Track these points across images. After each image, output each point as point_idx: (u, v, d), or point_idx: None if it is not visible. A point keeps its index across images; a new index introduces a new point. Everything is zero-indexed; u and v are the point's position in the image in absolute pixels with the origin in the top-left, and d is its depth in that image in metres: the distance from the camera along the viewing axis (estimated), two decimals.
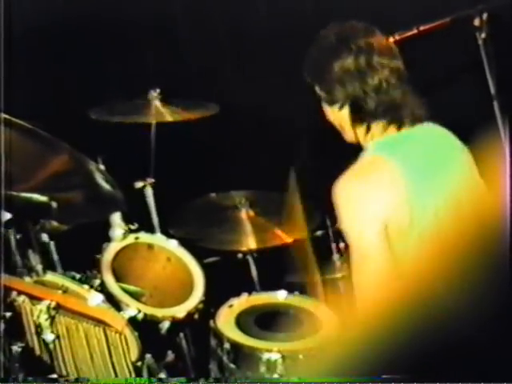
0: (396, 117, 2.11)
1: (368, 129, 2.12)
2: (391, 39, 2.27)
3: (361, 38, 2.10)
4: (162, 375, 2.56)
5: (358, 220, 2.02)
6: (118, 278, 2.69)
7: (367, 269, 2.00)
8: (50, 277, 2.60)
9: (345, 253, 3.07)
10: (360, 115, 2.11)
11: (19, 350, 2.34)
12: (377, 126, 2.12)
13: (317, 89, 2.18)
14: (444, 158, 2.14)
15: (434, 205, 2.03)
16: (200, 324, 2.74)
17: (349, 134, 2.19)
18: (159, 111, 3.05)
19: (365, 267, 2.01)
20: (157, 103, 3.07)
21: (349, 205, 2.03)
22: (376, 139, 2.12)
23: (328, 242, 3.06)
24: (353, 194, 2.02)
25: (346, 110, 2.14)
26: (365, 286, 2.01)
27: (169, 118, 3.03)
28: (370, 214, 2.00)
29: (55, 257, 2.83)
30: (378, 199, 2.01)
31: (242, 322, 2.66)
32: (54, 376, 2.41)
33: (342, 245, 3.09)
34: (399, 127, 2.12)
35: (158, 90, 3.07)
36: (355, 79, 2.08)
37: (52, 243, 2.82)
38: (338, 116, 2.17)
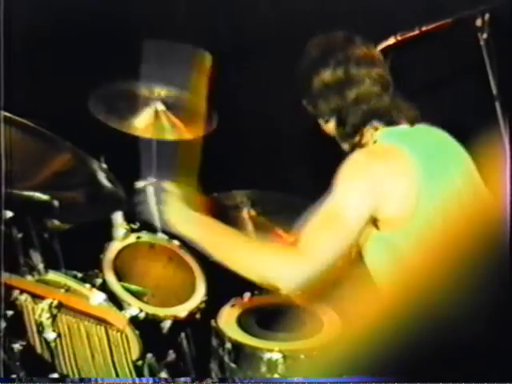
0: (388, 120, 2.11)
1: (353, 146, 2.11)
2: (393, 40, 2.27)
3: (339, 51, 2.10)
4: (163, 375, 2.56)
5: (356, 192, 1.97)
6: (120, 277, 2.70)
7: (335, 232, 1.95)
8: (51, 275, 2.61)
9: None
10: (345, 128, 2.11)
11: (20, 348, 2.34)
12: (372, 130, 2.11)
13: (305, 103, 2.19)
14: (446, 157, 2.13)
15: (442, 201, 2.01)
16: (201, 323, 2.74)
17: (343, 145, 2.19)
18: (159, 124, 3.01)
19: (333, 229, 1.95)
20: (157, 107, 3.03)
21: (355, 175, 1.98)
22: (382, 130, 2.11)
23: None
24: (361, 172, 1.99)
25: (332, 124, 2.14)
26: (321, 247, 1.95)
27: (168, 136, 2.99)
28: (371, 194, 1.96)
29: (57, 256, 2.84)
30: (381, 183, 1.97)
31: (243, 321, 2.67)
32: (56, 376, 2.41)
33: None
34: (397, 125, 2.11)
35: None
36: (335, 92, 2.08)
37: (54, 242, 2.82)
38: (328, 129, 2.18)
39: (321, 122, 2.19)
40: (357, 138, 2.12)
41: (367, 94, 2.08)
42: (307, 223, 1.98)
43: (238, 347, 2.55)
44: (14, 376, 2.28)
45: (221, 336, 2.61)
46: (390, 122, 2.10)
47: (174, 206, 2.17)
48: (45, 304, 2.39)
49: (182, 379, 2.50)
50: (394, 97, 2.12)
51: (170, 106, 2.80)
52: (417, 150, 2.02)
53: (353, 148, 2.11)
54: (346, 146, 2.18)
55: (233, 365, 2.55)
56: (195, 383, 2.48)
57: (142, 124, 2.80)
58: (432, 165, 2.03)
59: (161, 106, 2.87)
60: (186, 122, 2.87)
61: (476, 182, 2.13)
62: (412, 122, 2.12)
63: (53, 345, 2.40)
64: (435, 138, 2.16)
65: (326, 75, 2.08)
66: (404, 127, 2.11)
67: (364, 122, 2.09)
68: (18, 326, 2.38)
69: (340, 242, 1.96)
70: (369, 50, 2.14)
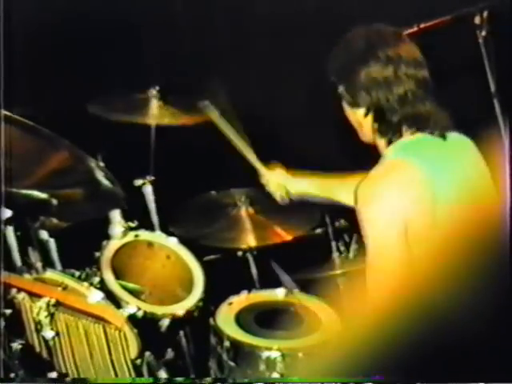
0: (422, 127, 2.10)
1: (389, 142, 2.11)
2: (410, 30, 2.26)
3: (390, 47, 2.07)
4: (162, 373, 2.56)
5: (380, 219, 2.00)
6: (118, 276, 2.69)
7: (384, 268, 2.00)
8: (49, 274, 2.60)
9: (345, 251, 3.07)
10: (383, 126, 2.10)
11: (19, 347, 2.34)
12: (400, 135, 2.11)
13: (341, 89, 2.17)
14: (462, 164, 2.12)
15: (457, 207, 2.01)
16: (200, 322, 2.74)
17: (366, 135, 2.18)
18: (158, 112, 3.05)
19: (382, 267, 2.00)
20: (156, 102, 3.06)
21: (372, 205, 2.01)
22: (395, 143, 2.11)
23: (328, 240, 3.06)
24: (376, 194, 2.01)
25: (369, 117, 2.13)
26: (378, 286, 2.01)
27: (167, 120, 3.03)
28: (392, 214, 1.99)
29: (55, 254, 2.83)
30: (400, 200, 1.99)
31: (241, 319, 2.66)
32: (55, 374, 2.41)
33: (341, 243, 3.09)
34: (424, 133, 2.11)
35: (157, 88, 3.07)
36: (381, 88, 2.06)
37: (52, 240, 2.82)
38: (359, 119, 2.16)
39: (350, 109, 2.17)
40: (383, 141, 2.12)
41: (412, 96, 2.07)
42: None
43: (236, 345, 2.55)
44: (12, 375, 2.28)
45: (219, 334, 2.61)
46: (427, 128, 2.09)
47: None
48: (42, 302, 2.39)
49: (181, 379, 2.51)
50: (433, 103, 2.11)
51: None
52: (425, 159, 2.04)
53: (389, 142, 2.11)
54: (367, 137, 2.17)
55: (231, 363, 2.55)
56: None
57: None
58: (443, 171, 2.04)
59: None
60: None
61: (489, 184, 2.13)
62: (443, 133, 2.11)
63: (51, 343, 2.40)
64: (448, 144, 2.14)
65: (375, 69, 2.06)
66: (417, 139, 2.11)
67: (404, 123, 2.08)
68: (16, 324, 2.38)
69: (391, 267, 2.00)
70: (416, 51, 2.12)
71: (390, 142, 2.11)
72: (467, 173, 2.10)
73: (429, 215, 2.00)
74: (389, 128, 2.10)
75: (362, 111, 2.12)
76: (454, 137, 2.15)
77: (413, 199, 2.00)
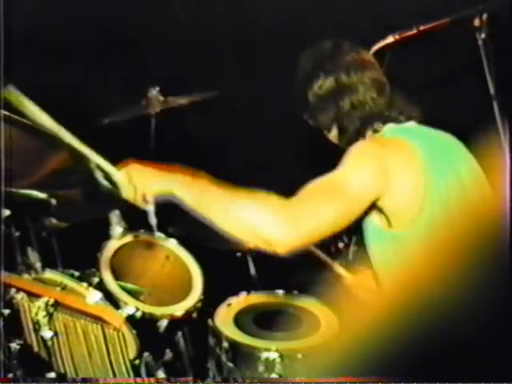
0: (388, 120, 2.10)
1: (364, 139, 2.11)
2: (391, 39, 2.27)
3: (327, 60, 2.09)
4: (160, 374, 2.56)
5: (365, 170, 1.94)
6: (117, 276, 2.69)
7: (335, 202, 1.91)
8: (48, 274, 2.60)
9: (344, 252, 3.07)
10: (347, 135, 2.10)
11: (17, 347, 2.33)
12: (372, 132, 2.11)
13: (305, 118, 2.19)
14: (453, 155, 2.12)
15: (446, 197, 1.99)
16: (198, 323, 2.74)
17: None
18: (157, 103, 3.07)
19: (335, 199, 1.91)
20: (156, 99, 3.09)
21: (366, 155, 1.96)
22: (388, 127, 2.10)
23: (326, 241, 3.06)
24: (373, 153, 1.97)
25: (334, 132, 2.14)
26: (319, 213, 1.91)
27: (165, 105, 3.05)
28: (379, 177, 1.94)
29: (54, 254, 2.83)
30: (392, 168, 1.95)
31: (240, 320, 2.66)
32: (53, 375, 2.41)
33: (340, 245, 3.08)
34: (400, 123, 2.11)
35: (157, 88, 3.08)
36: (330, 103, 2.08)
37: (51, 240, 2.82)
38: (333, 138, 2.17)
39: (325, 133, 2.18)
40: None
41: (362, 100, 2.07)
42: (308, 185, 1.91)
43: (235, 346, 2.55)
44: (10, 375, 2.28)
45: (218, 335, 2.61)
46: (390, 121, 2.10)
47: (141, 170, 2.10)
48: (41, 302, 2.39)
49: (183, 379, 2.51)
50: (393, 96, 2.11)
51: None
52: (423, 146, 2.01)
53: None
54: None
55: (230, 364, 2.55)
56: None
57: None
58: (439, 161, 2.02)
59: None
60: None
61: (482, 181, 2.13)
62: (411, 119, 2.11)
63: (49, 343, 2.40)
64: (440, 136, 2.15)
65: (318, 87, 2.08)
66: (410, 124, 2.10)
67: (364, 127, 2.09)
68: (14, 324, 2.38)
69: (338, 215, 1.91)
70: (358, 55, 2.12)
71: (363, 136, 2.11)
72: (459, 168, 2.09)
73: (418, 199, 1.95)
74: (351, 136, 2.09)
75: (335, 131, 2.13)
76: (443, 134, 2.16)
77: (408, 176, 1.96)
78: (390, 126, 2.09)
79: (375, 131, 2.09)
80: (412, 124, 2.11)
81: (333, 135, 2.16)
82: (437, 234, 1.96)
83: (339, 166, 1.95)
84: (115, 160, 2.58)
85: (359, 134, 2.09)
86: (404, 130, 2.08)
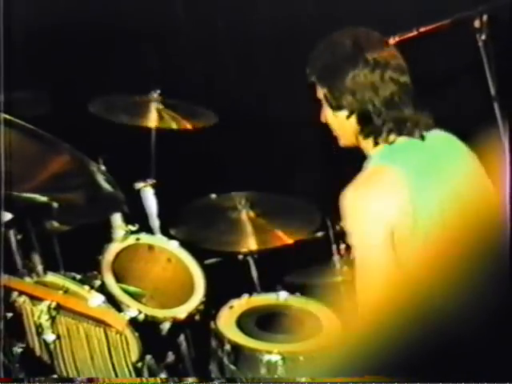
0: (405, 131, 2.11)
1: (375, 143, 2.12)
2: (391, 40, 2.27)
3: (377, 51, 2.08)
4: (163, 376, 2.56)
5: (364, 227, 2.01)
6: (119, 279, 2.69)
7: (370, 274, 2.00)
8: (50, 277, 2.60)
9: (345, 254, 3.07)
10: (368, 128, 2.11)
11: (20, 350, 2.34)
12: (384, 138, 2.11)
13: (322, 91, 2.16)
14: (448, 163, 2.12)
15: (439, 209, 2.02)
16: (201, 325, 2.74)
17: (347, 139, 2.19)
18: (159, 116, 3.07)
19: (368, 272, 2.00)
20: (157, 105, 3.08)
21: (355, 213, 2.02)
22: (379, 147, 2.12)
23: (329, 243, 3.06)
24: (359, 202, 2.02)
25: (353, 120, 2.13)
26: (367, 291, 2.00)
27: (168, 124, 3.05)
28: (376, 220, 1.99)
29: (56, 257, 2.84)
30: (382, 206, 2.00)
31: (242, 323, 2.66)
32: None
33: (342, 246, 3.08)
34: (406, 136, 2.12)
35: (158, 91, 3.08)
36: (367, 91, 2.07)
37: (53, 244, 2.82)
38: (341, 122, 2.15)
39: (332, 112, 2.16)
40: (370, 142, 2.12)
41: (398, 100, 2.07)
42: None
43: (237, 349, 2.55)
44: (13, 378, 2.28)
45: (220, 337, 2.61)
46: (410, 132, 2.10)
47: None
48: (43, 306, 2.39)
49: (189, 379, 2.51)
50: (414, 106, 2.11)
51: None
52: (409, 167, 2.04)
53: (375, 143, 2.11)
54: (348, 141, 2.18)
55: (232, 366, 2.55)
56: None
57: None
58: (427, 177, 2.04)
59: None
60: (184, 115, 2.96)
61: (482, 182, 2.13)
62: (422, 133, 2.12)
63: (52, 346, 2.40)
64: (436, 143, 2.14)
65: (364, 73, 2.06)
66: (400, 143, 2.11)
67: (388, 126, 2.09)
68: (17, 328, 2.38)
69: (378, 273, 1.99)
70: (399, 57, 2.13)
71: (376, 144, 2.12)
72: (454, 177, 2.10)
73: (411, 220, 1.99)
74: (373, 130, 2.10)
75: (344, 113, 2.13)
76: (442, 138, 2.16)
77: (396, 205, 2.00)
78: (385, 146, 2.10)
79: (386, 141, 2.10)
80: (404, 140, 2.11)
81: (340, 116, 2.14)
82: (434, 242, 1.98)
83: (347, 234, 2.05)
84: (115, 160, 2.60)
85: (378, 132, 2.09)
86: (393, 153, 2.09)
